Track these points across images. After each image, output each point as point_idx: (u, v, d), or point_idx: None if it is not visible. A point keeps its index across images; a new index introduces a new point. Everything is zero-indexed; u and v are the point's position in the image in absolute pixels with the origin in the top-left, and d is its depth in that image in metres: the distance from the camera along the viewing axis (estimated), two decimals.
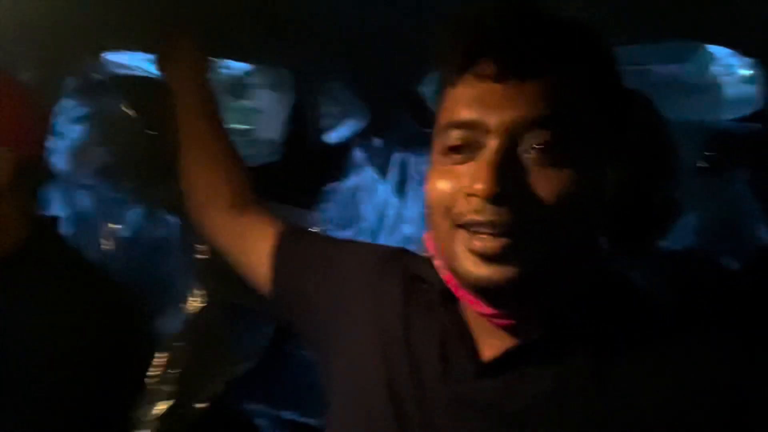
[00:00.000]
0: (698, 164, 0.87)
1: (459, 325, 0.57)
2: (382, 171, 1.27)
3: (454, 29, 0.52)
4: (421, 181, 0.64)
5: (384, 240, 1.16)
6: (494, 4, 0.52)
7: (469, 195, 0.48)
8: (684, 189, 0.79)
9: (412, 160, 1.25)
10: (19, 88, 0.78)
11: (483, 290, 0.51)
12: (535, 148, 0.48)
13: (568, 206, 0.48)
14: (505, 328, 0.53)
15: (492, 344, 0.54)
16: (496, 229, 0.48)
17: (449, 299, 0.59)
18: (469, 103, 0.50)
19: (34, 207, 0.81)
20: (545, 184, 0.48)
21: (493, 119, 0.48)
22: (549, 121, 0.48)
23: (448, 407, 0.54)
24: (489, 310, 0.52)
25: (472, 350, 0.55)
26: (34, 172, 0.78)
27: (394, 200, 1.23)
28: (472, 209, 0.48)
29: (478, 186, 0.47)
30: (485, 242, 0.48)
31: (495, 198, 0.47)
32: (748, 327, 0.52)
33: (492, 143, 0.49)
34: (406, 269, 0.65)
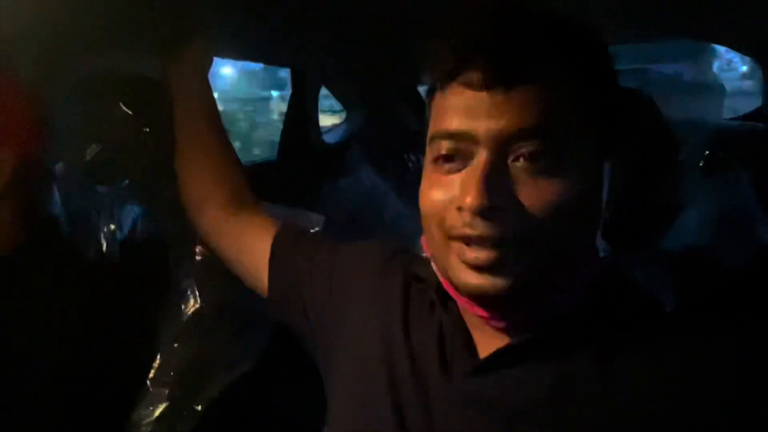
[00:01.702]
0: (700, 163, 0.87)
1: (457, 324, 0.57)
2: (381, 170, 1.27)
3: (441, 36, 0.51)
4: (419, 178, 0.64)
5: (382, 238, 1.15)
6: (482, 8, 0.51)
7: (459, 208, 0.48)
8: (685, 188, 0.79)
9: (411, 159, 1.24)
10: (18, 90, 0.78)
11: (479, 298, 0.51)
12: (524, 157, 0.48)
13: (559, 215, 0.48)
14: (496, 329, 0.54)
15: (489, 342, 0.55)
16: (487, 241, 0.48)
17: (447, 298, 0.59)
18: (457, 113, 0.49)
19: (33, 208, 0.80)
20: (535, 194, 0.48)
21: (481, 129, 0.48)
22: (538, 130, 0.47)
23: (447, 405, 0.54)
24: (484, 314, 0.53)
25: (470, 348, 0.56)
26: (34, 173, 0.78)
27: (393, 199, 1.23)
28: (463, 223, 0.48)
29: (468, 200, 0.47)
30: (477, 253, 0.48)
31: (485, 211, 0.47)
32: (749, 326, 0.51)
33: (480, 153, 0.48)
34: (406, 269, 0.65)
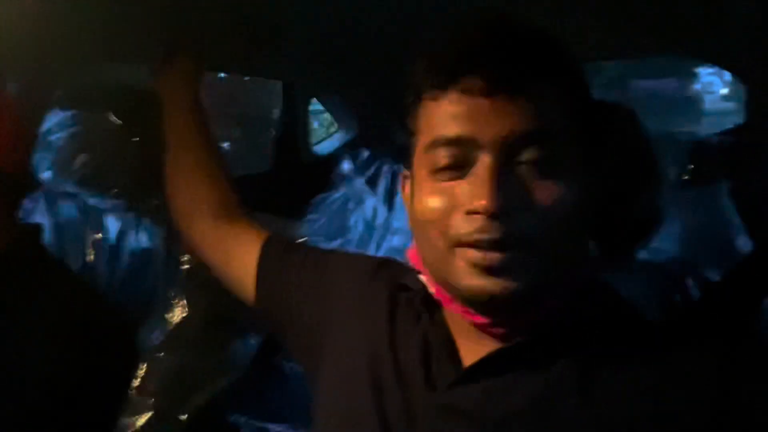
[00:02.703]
0: (680, 176, 0.88)
1: (442, 334, 0.57)
2: (371, 182, 1.28)
3: (438, 46, 0.52)
4: None
5: (372, 251, 1.16)
6: (476, 19, 0.52)
7: (470, 213, 0.48)
8: (666, 200, 0.80)
9: (401, 171, 1.25)
10: (2, 99, 0.78)
11: (482, 303, 0.51)
12: (528, 162, 0.48)
13: (564, 217, 0.49)
14: (492, 335, 0.53)
15: (474, 350, 0.55)
16: (500, 244, 0.48)
17: (432, 307, 0.59)
18: (457, 120, 0.49)
19: (16, 216, 0.80)
20: (540, 196, 0.48)
21: (485, 135, 0.48)
22: (541, 134, 0.48)
23: (432, 415, 0.54)
24: (484, 320, 0.52)
25: (454, 357, 0.56)
26: (17, 182, 0.78)
27: (382, 211, 1.24)
28: (475, 228, 0.48)
29: (481, 203, 0.47)
30: (488, 256, 0.48)
31: (497, 213, 0.47)
32: (729, 337, 0.52)
33: (485, 159, 0.48)
34: (392, 279, 0.65)
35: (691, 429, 0.48)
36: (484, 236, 0.48)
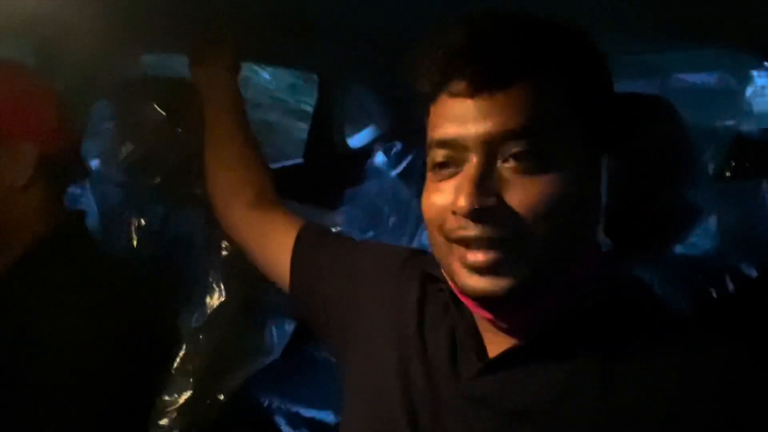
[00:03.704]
0: (721, 170, 0.86)
1: (469, 325, 0.58)
2: (404, 175, 1.28)
3: (424, 51, 0.52)
4: None
5: (405, 243, 1.16)
6: (463, 18, 0.52)
7: (454, 212, 0.50)
8: (705, 194, 0.78)
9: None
10: (42, 86, 0.80)
11: (481, 300, 0.52)
12: (512, 158, 0.49)
13: (551, 212, 0.49)
14: (507, 330, 0.54)
15: (498, 342, 0.55)
16: (484, 243, 0.49)
17: (460, 300, 0.59)
18: (447, 122, 0.51)
19: (61, 201, 0.83)
20: (524, 193, 0.49)
21: (470, 135, 0.49)
22: (523, 131, 0.49)
23: (457, 404, 0.55)
24: (489, 316, 0.54)
25: (479, 348, 0.57)
26: (61, 168, 0.80)
27: (415, 204, 1.23)
28: (459, 225, 0.50)
29: (460, 203, 0.48)
30: (477, 256, 0.49)
31: (477, 214, 0.48)
32: (762, 336, 0.51)
33: (472, 158, 0.49)
34: (422, 270, 0.66)
35: (713, 425, 0.47)
36: (469, 234, 0.49)
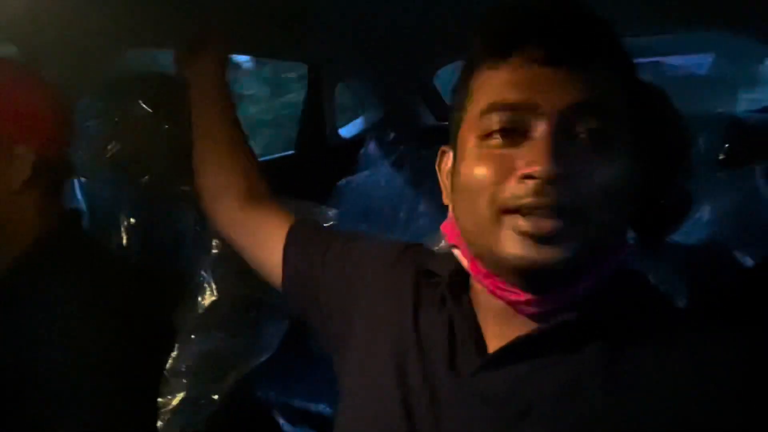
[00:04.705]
0: (715, 157, 0.85)
1: (467, 318, 0.57)
2: (397, 165, 1.27)
3: (502, 12, 0.52)
4: (435, 174, 0.64)
5: (398, 234, 1.16)
6: None
7: (526, 177, 0.48)
8: (701, 182, 0.78)
9: (427, 153, 1.24)
10: (41, 87, 0.79)
11: (528, 274, 0.50)
12: (584, 133, 0.49)
13: (615, 191, 0.49)
14: (524, 314, 0.53)
15: (499, 336, 0.55)
16: (551, 210, 0.47)
17: (458, 291, 0.59)
18: (517, 86, 0.50)
19: (57, 202, 0.82)
20: (595, 168, 0.48)
21: (546, 102, 0.48)
22: (598, 107, 0.49)
23: (455, 401, 0.54)
24: (520, 297, 0.52)
25: (479, 343, 0.56)
26: (57, 169, 0.80)
27: (409, 193, 1.23)
28: (529, 192, 0.48)
29: (539, 168, 0.47)
30: (539, 224, 0.48)
31: (554, 180, 0.47)
32: (761, 324, 0.51)
33: (544, 126, 0.48)
34: (417, 264, 0.66)
35: (717, 416, 0.47)
36: (539, 200, 0.48)
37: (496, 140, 0.50)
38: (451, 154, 0.59)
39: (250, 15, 0.98)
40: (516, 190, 0.48)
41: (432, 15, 1.15)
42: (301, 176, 1.24)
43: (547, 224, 0.47)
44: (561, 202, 0.47)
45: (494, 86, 0.51)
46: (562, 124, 0.48)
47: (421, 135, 1.52)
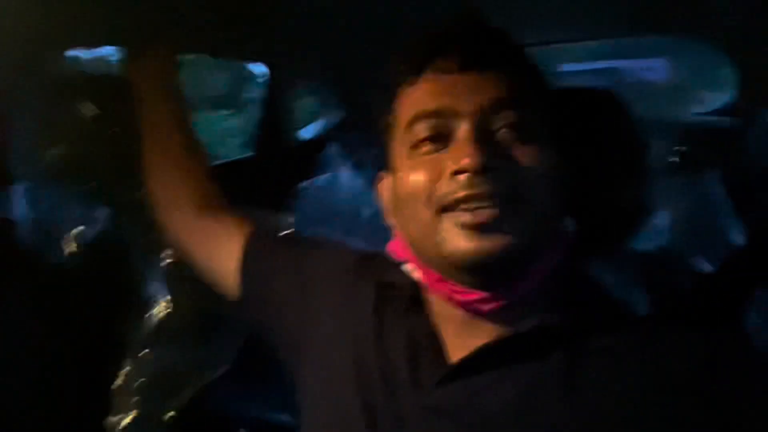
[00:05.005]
0: (669, 162, 0.87)
1: (427, 330, 0.57)
2: (358, 166, 1.26)
3: (414, 40, 0.57)
4: None
5: (361, 236, 1.14)
6: (450, 15, 0.57)
7: (457, 173, 0.50)
8: (655, 188, 0.79)
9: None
10: None
11: (475, 267, 0.51)
12: (505, 126, 0.52)
13: (544, 176, 0.52)
14: (488, 318, 0.53)
15: (460, 346, 0.55)
16: (486, 200, 0.50)
17: (418, 303, 0.59)
18: (435, 95, 0.53)
19: None
20: (521, 156, 0.51)
21: (462, 105, 0.52)
22: (512, 101, 0.52)
23: (419, 415, 0.54)
24: (473, 296, 0.53)
25: (440, 354, 0.56)
26: None
27: (370, 197, 1.22)
28: (461, 186, 0.50)
29: (466, 161, 0.50)
30: (476, 214, 0.50)
31: (482, 169, 0.50)
32: (719, 329, 0.52)
33: (465, 125, 0.52)
34: (377, 275, 0.65)
35: (676, 421, 0.48)
36: (473, 191, 0.50)
37: (426, 147, 0.53)
38: (389, 178, 0.60)
39: (204, 13, 0.94)
40: (449, 187, 0.51)
41: (394, 15, 1.14)
42: (262, 179, 1.22)
43: (484, 213, 0.50)
44: (493, 191, 0.50)
45: (415, 99, 0.55)
46: (482, 121, 0.52)
47: (381, 135, 1.51)
